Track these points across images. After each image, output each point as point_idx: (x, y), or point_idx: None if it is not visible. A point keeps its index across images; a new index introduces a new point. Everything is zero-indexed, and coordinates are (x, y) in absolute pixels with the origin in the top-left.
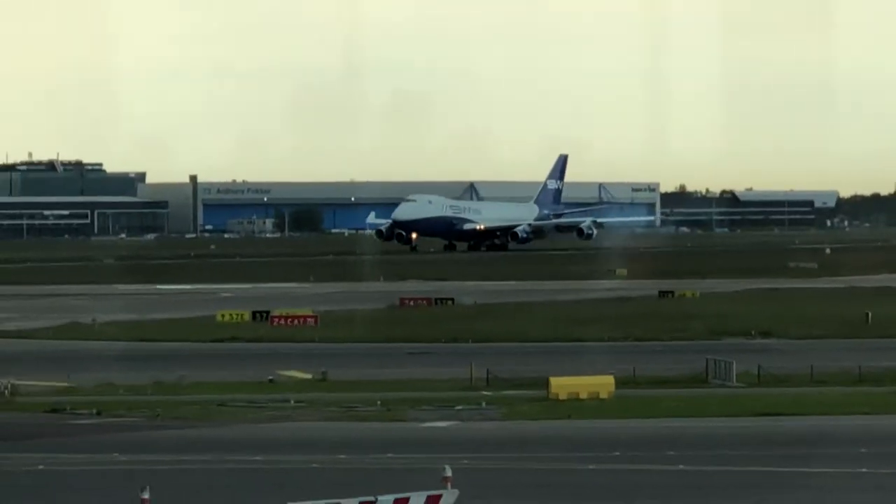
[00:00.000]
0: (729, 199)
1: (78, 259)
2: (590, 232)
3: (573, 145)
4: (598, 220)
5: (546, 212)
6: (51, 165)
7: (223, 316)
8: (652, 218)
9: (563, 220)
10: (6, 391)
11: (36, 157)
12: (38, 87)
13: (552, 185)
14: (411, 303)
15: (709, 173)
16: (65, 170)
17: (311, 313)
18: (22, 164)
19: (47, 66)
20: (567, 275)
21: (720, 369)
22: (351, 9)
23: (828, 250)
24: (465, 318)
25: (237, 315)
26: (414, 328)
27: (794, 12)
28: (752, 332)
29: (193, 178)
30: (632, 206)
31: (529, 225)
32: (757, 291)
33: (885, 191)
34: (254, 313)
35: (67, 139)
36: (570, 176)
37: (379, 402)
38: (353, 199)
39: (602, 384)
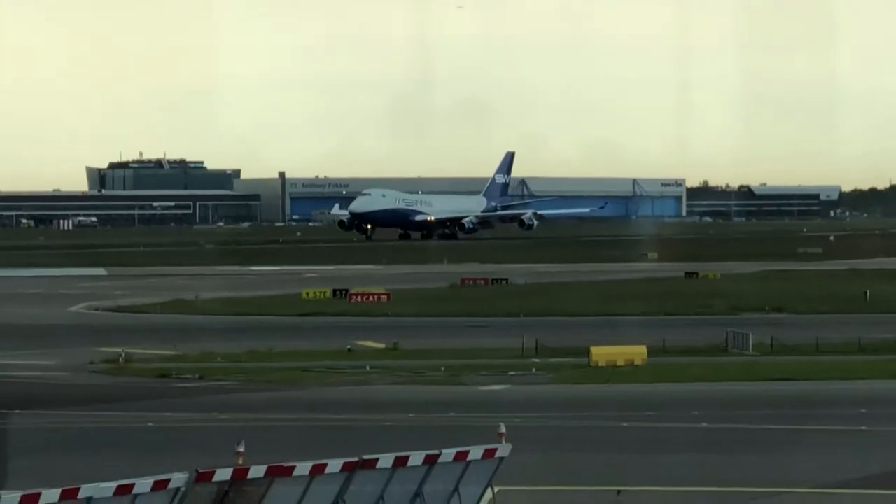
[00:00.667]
0: (746, 192)
1: (182, 244)
2: (530, 223)
3: (611, 146)
4: (539, 212)
5: (493, 204)
6: (159, 163)
7: (308, 294)
8: (587, 210)
9: (506, 212)
10: (121, 359)
11: (146, 156)
12: (149, 94)
13: (500, 179)
14: (471, 282)
15: (728, 170)
16: (171, 167)
17: (384, 291)
18: (134, 162)
19: (157, 76)
20: (605, 258)
21: (738, 340)
22: (420, 28)
23: (831, 237)
24: (518, 295)
25: (320, 293)
26: (473, 304)
27: (803, 31)
28: (766, 308)
29: (282, 175)
30: (661, 198)
31: (476, 216)
32: (770, 273)
33: (881, 185)
34: (335, 291)
35: (173, 140)
36: (607, 172)
37: (443, 369)
38: (419, 192)
39: (636, 353)
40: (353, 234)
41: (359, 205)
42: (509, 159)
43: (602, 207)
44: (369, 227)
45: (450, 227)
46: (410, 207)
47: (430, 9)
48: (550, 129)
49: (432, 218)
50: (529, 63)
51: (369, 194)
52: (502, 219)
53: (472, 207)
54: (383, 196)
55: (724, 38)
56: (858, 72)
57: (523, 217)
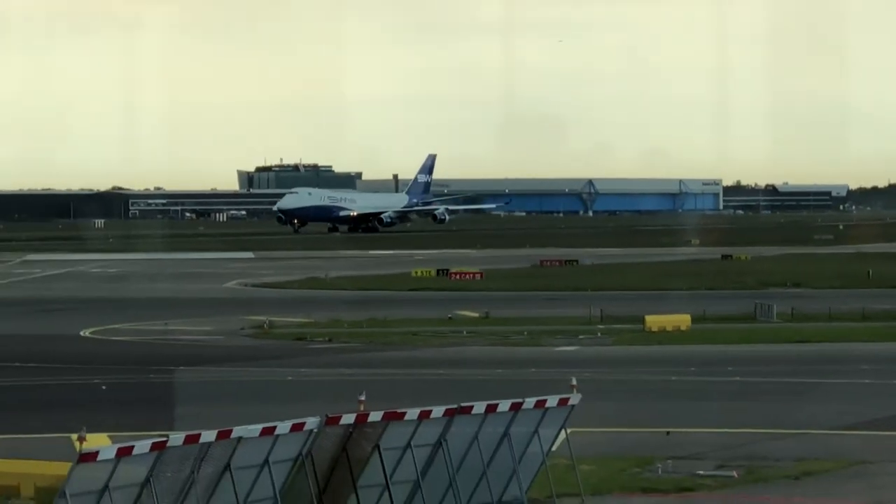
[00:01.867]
0: (771, 190)
1: (315, 233)
2: (442, 217)
3: (662, 152)
4: (451, 207)
5: (415, 200)
6: (296, 167)
7: (416, 272)
8: (494, 206)
9: (422, 208)
10: (265, 325)
11: (286, 162)
12: (289, 110)
13: (422, 178)
14: (548, 263)
15: (757, 172)
16: (305, 170)
17: (478, 270)
18: (276, 166)
19: (296, 96)
20: (658, 244)
21: (765, 310)
22: (508, 57)
23: (841, 227)
24: (586, 273)
25: (426, 272)
26: (550, 281)
27: (819, 58)
28: (788, 284)
29: (395, 176)
30: (702, 195)
31: (395, 211)
32: (791, 255)
33: (881, 184)
34: (438, 270)
35: (308, 148)
36: (655, 173)
37: (525, 333)
38: (506, 190)
39: (682, 320)
40: (286, 228)
41: (286, 202)
42: (431, 161)
43: (507, 203)
44: (296, 221)
45: (371, 221)
46: (335, 204)
47: (521, 42)
48: (614, 138)
49: (355, 213)
50: (598, 85)
51: (296, 193)
52: (418, 213)
53: (393, 204)
54: (309, 194)
55: (754, 63)
56: (863, 91)
57: (436, 213)
